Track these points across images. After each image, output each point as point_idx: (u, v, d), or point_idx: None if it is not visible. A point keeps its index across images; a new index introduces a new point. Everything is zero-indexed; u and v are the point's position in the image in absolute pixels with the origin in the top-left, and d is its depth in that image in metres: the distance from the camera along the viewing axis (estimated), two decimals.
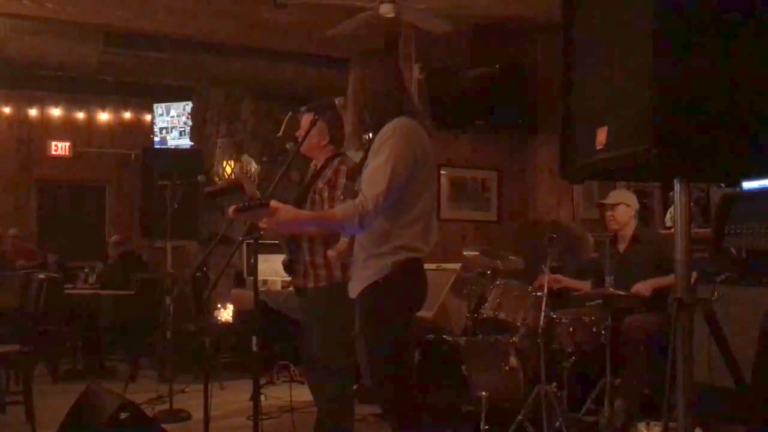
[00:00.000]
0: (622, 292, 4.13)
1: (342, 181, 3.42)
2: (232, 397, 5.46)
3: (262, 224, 2.64)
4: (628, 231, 4.56)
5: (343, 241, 3.11)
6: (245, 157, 3.41)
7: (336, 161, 3.51)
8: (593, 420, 4.19)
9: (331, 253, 3.26)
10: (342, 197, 3.21)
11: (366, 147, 2.75)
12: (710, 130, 1.56)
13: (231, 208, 2.63)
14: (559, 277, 4.56)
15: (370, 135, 2.72)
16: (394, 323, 2.65)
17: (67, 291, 6.95)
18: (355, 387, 3.64)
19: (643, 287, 4.21)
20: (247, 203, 2.54)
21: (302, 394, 4.56)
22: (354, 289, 2.72)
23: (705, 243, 3.94)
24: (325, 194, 3.43)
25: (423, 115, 2.78)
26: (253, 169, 3.33)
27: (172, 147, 10.03)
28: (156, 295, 6.53)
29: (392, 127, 2.61)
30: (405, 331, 2.69)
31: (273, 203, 2.49)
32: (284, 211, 2.53)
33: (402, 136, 2.59)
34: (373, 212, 2.51)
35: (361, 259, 2.69)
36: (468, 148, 6.71)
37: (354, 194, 2.60)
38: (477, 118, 6.38)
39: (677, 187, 1.78)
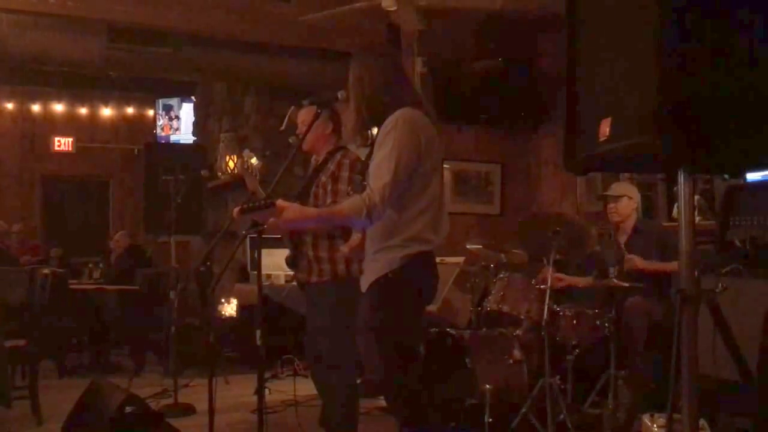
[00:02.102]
0: (626, 284, 4.13)
1: (345, 174, 3.40)
2: (237, 391, 5.47)
3: (269, 223, 2.62)
4: (630, 223, 4.58)
5: (356, 236, 3.07)
6: (245, 152, 3.42)
7: (338, 155, 3.49)
8: (597, 413, 4.19)
9: (343, 248, 3.24)
10: (351, 191, 3.19)
11: (370, 142, 2.73)
12: (714, 121, 1.55)
13: (235, 209, 2.61)
14: (561, 275, 4.55)
15: (375, 130, 2.71)
16: (403, 317, 2.63)
17: (72, 286, 6.98)
18: (359, 381, 3.64)
19: (639, 260, 4.26)
20: (252, 204, 2.51)
21: (306, 387, 4.56)
22: (364, 283, 2.69)
23: (709, 235, 3.93)
24: (329, 188, 3.41)
25: (427, 104, 2.75)
26: (254, 163, 3.32)
27: (176, 142, 10.04)
28: (160, 290, 6.55)
29: (395, 117, 2.58)
30: (415, 324, 2.68)
31: (279, 202, 2.47)
32: (291, 209, 2.52)
33: (405, 126, 2.57)
34: (380, 204, 2.49)
35: (371, 252, 2.67)
36: (471, 142, 6.70)
37: (362, 188, 2.58)
38: (481, 112, 6.37)
39: (681, 177, 1.78)
